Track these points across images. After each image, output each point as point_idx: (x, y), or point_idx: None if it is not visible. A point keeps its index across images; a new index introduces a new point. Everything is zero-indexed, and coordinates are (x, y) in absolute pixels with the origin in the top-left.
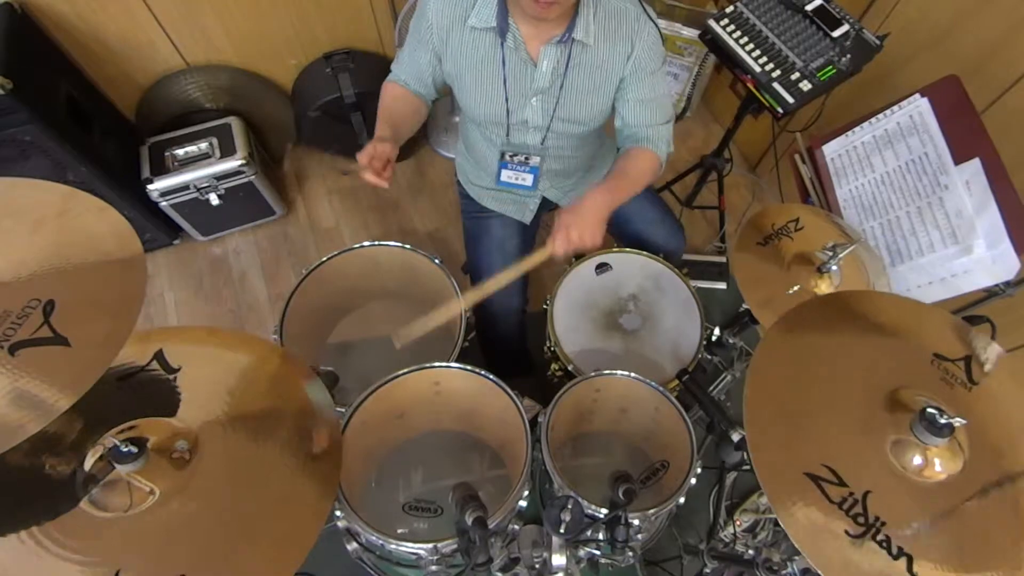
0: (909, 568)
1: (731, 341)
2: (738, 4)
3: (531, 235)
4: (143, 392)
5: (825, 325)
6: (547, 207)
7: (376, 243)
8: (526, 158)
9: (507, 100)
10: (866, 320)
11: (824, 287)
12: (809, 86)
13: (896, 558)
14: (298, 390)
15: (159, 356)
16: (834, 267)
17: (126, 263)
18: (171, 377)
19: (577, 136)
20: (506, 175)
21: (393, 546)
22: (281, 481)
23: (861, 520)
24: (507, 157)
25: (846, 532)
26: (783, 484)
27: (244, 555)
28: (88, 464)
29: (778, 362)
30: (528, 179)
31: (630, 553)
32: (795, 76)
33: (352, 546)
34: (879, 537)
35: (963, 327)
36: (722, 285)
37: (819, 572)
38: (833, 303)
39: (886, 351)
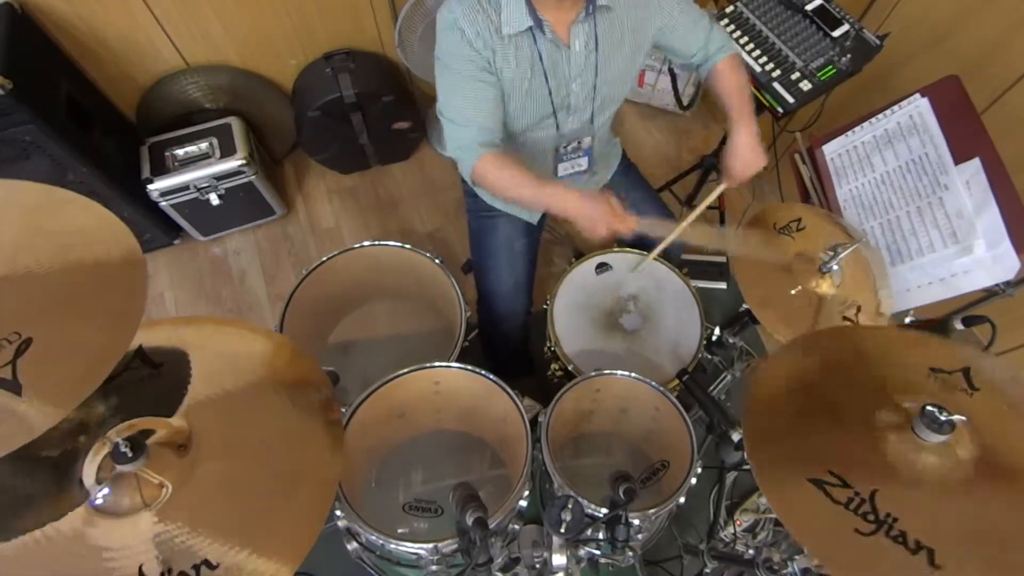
0: (931, 561)
1: (731, 341)
2: (738, 4)
3: (537, 234)
4: (142, 390)
5: (813, 355)
6: None
7: (376, 243)
8: (579, 142)
9: (551, 94)
10: (853, 348)
11: (825, 287)
12: (809, 86)
13: (915, 552)
14: (296, 364)
15: (139, 352)
16: (835, 267)
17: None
18: (156, 372)
19: (615, 108)
20: (563, 168)
21: (393, 546)
22: (291, 454)
23: (871, 518)
24: (561, 150)
25: (856, 531)
26: (786, 494)
27: (265, 531)
28: (89, 464)
29: (776, 376)
30: (583, 163)
31: (630, 553)
32: (795, 76)
33: (352, 546)
34: (893, 533)
35: (955, 345)
36: (722, 285)
37: (821, 574)
38: (818, 340)
39: (882, 368)
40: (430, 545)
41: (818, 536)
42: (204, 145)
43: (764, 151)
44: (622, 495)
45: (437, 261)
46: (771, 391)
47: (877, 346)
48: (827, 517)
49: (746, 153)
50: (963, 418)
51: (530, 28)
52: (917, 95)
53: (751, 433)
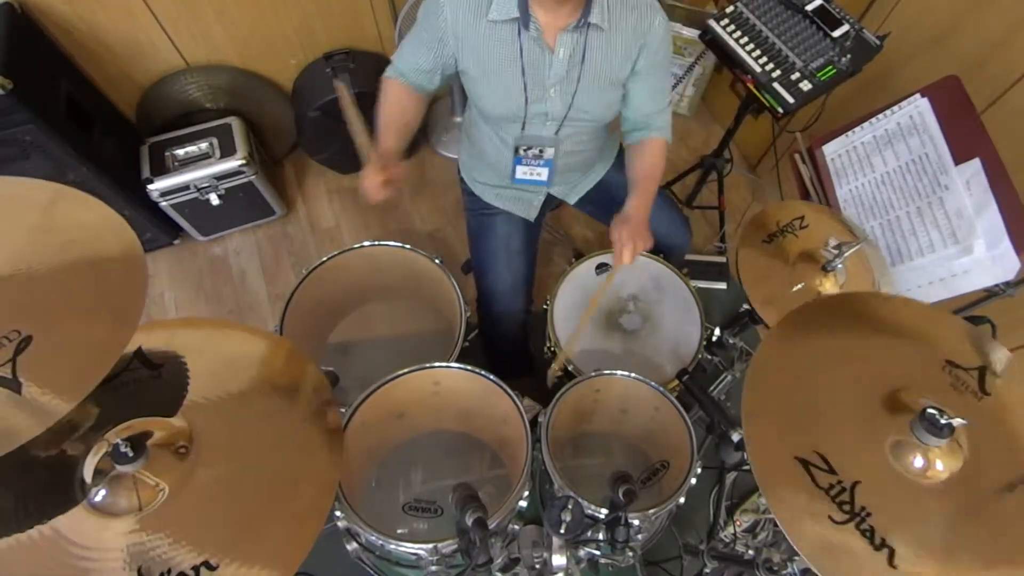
0: (890, 560)
1: (731, 341)
2: (738, 4)
3: (535, 232)
4: (141, 391)
5: (833, 324)
6: (551, 204)
7: (376, 243)
8: (540, 151)
9: (526, 92)
10: (877, 321)
11: (828, 285)
12: (809, 86)
13: (878, 549)
14: (294, 366)
15: (139, 354)
16: (839, 265)
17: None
18: (156, 374)
19: (592, 127)
20: (521, 171)
21: (393, 546)
22: (289, 456)
23: (847, 508)
24: (521, 152)
25: (830, 517)
26: (773, 465)
27: (264, 531)
28: (88, 464)
29: (782, 353)
30: (543, 173)
31: (630, 553)
32: (795, 76)
33: (352, 546)
34: (863, 527)
35: (979, 336)
36: (722, 285)
37: (817, 572)
38: (842, 304)
39: (897, 352)
40: (430, 545)
41: (791, 511)
42: (204, 145)
43: (650, 235)
44: (622, 496)
45: (437, 261)
46: (780, 352)
47: (902, 319)
48: (805, 496)
49: (642, 226)
50: (963, 422)
51: (515, 20)
52: (917, 95)
53: (752, 386)
